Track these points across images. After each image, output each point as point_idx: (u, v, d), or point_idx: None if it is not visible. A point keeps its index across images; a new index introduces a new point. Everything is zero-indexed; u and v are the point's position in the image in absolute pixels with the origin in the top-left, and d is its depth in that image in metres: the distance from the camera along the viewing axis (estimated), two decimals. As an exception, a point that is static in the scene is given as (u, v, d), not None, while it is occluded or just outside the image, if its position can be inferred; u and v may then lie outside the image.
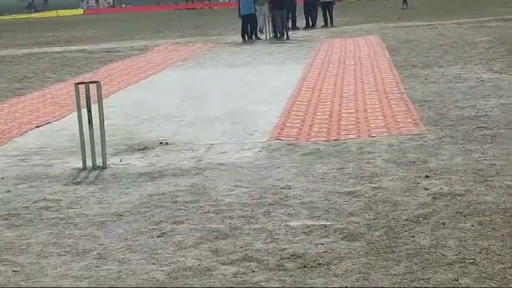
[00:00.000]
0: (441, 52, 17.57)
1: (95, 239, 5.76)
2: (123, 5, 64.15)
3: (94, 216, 6.36)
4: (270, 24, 24.60)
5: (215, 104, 11.82)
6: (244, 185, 7.12)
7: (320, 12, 28.77)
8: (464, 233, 5.37)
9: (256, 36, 24.37)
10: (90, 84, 8.41)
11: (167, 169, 7.91)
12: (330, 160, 7.87)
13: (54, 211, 6.57)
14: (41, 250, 5.56)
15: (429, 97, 11.46)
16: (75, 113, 8.50)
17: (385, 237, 5.39)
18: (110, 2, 63.02)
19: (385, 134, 8.95)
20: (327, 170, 7.43)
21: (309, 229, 5.68)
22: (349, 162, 7.73)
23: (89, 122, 8.14)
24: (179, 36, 27.88)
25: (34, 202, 6.90)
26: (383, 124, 9.55)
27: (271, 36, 24.48)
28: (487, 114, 9.74)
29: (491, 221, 5.59)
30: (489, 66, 14.49)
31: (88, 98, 8.19)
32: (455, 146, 8.13)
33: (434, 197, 6.27)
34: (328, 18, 28.74)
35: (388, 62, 16.08)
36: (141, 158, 8.54)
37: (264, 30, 24.96)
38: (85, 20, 48.26)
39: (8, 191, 7.38)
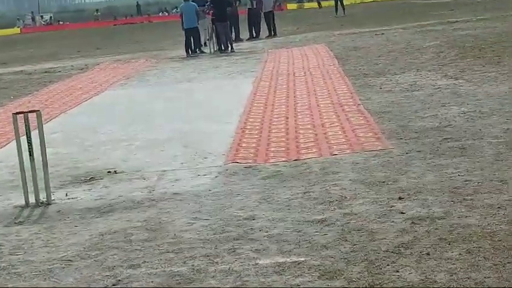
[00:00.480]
0: (391, 59, 17.20)
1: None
2: (61, 22, 63.07)
3: (40, 262, 5.71)
4: (214, 37, 24.04)
5: (163, 126, 11.20)
6: (204, 217, 6.53)
7: (263, 23, 28.37)
8: (453, 263, 4.86)
9: (200, 49, 23.78)
10: (29, 114, 7.71)
11: (118, 202, 7.29)
12: (293, 184, 7.32)
13: (-6, 259, 5.94)
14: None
15: (387, 108, 11.01)
16: (15, 143, 7.89)
17: (366, 273, 4.87)
18: (47, 20, 61.75)
19: (348, 151, 8.45)
20: (291, 196, 6.88)
21: (280, 267, 5.12)
22: (314, 185, 7.19)
23: (30, 155, 7.47)
24: (120, 53, 27.19)
25: (-30, 249, 6.26)
26: (344, 140, 9.06)
27: (215, 49, 23.93)
28: (451, 124, 9.31)
29: (480, 247, 5.10)
30: (443, 72, 14.14)
31: (28, 128, 7.53)
32: (424, 161, 7.65)
33: (412, 222, 5.75)
34: (272, 29, 28.35)
35: (339, 72, 15.66)
36: (89, 190, 7.90)
37: (208, 44, 24.37)
38: (22, 39, 47.18)
39: None
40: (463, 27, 23.47)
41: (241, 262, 5.30)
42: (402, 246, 5.27)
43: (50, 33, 52.78)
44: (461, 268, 4.78)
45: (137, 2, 74.12)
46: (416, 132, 9.07)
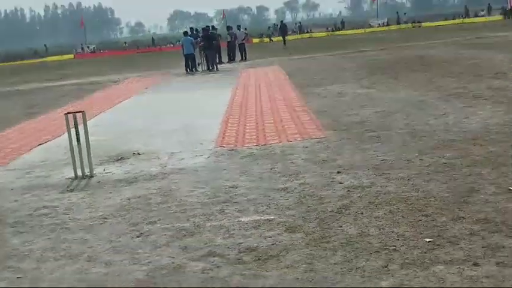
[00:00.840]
0: (324, 75, 16.76)
1: (85, 243, 4.69)
2: (101, 51, 61.86)
3: (84, 220, 5.26)
4: (204, 61, 23.46)
5: (172, 120, 10.67)
6: (201, 185, 6.10)
7: (237, 51, 27.90)
8: (380, 221, 4.49)
9: (195, 69, 23.18)
10: (77, 114, 7.21)
11: (140, 175, 6.81)
12: (263, 162, 6.89)
13: (52, 217, 5.44)
14: (41, 255, 4.46)
15: (323, 108, 10.59)
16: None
17: (318, 228, 4.48)
18: (91, 49, 60.58)
19: (299, 139, 8.02)
20: (262, 170, 6.46)
21: (257, 224, 4.72)
22: (277, 163, 6.76)
23: (78, 141, 6.97)
24: (141, 71, 26.42)
25: (36, 209, 5.74)
26: (296, 131, 8.62)
27: (204, 68, 23.32)
28: (369, 120, 8.92)
29: (398, 209, 4.73)
30: (360, 84, 13.74)
31: (75, 123, 7.03)
32: (352, 146, 7.26)
33: (348, 190, 5.37)
34: (243, 55, 27.86)
35: (290, 84, 15.19)
36: (120, 166, 7.40)
37: (200, 65, 23.76)
38: (75, 62, 46.11)
39: (16, 201, 6.19)
40: (370, 55, 23.09)
41: (229, 220, 4.88)
42: (343, 207, 4.90)
43: (93, 58, 51.58)
44: (386, 225, 4.42)
45: (152, 37, 73.07)
46: (345, 125, 8.67)
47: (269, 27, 61.82)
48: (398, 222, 4.42)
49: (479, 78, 12.67)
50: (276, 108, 11.17)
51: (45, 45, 66.52)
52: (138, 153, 8.03)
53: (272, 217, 4.83)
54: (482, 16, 56.18)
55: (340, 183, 5.65)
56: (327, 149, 7.20)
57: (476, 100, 9.87)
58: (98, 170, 7.23)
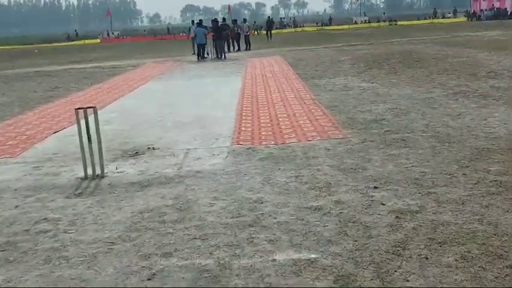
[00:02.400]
0: (324, 67, 15.04)
1: (85, 284, 3.10)
2: (124, 36, 59.41)
3: (88, 244, 3.67)
4: (213, 49, 21.58)
5: (186, 110, 8.99)
6: (221, 196, 4.50)
7: (243, 41, 26.01)
8: (456, 273, 2.92)
9: (205, 57, 21.30)
10: (88, 109, 5.56)
11: (154, 177, 5.18)
12: (285, 166, 5.27)
13: (51, 237, 3.84)
14: (26, 305, 2.89)
15: (333, 102, 8.95)
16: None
17: (378, 280, 2.91)
18: (116, 35, 58.10)
19: (318, 138, 6.39)
20: (287, 179, 4.84)
21: (297, 266, 3.14)
22: (302, 169, 5.15)
23: (89, 140, 5.33)
24: (158, 57, 24.52)
25: (35, 223, 4.14)
26: (312, 128, 6.99)
27: (214, 57, 21.47)
28: (385, 118, 7.29)
29: (470, 253, 3.16)
30: (361, 78, 12.05)
31: (86, 119, 5.38)
32: (378, 150, 5.63)
33: (397, 217, 3.77)
34: (248, 45, 26.00)
35: (294, 75, 13.47)
36: (133, 164, 5.77)
37: (209, 53, 21.87)
38: (101, 46, 43.80)
39: (16, 207, 4.58)
40: (361, 49, 21.30)
41: (260, 257, 3.30)
42: (399, 245, 3.32)
43: (117, 43, 49.20)
44: (465, 279, 2.84)
45: (167, 27, 70.48)
46: (361, 124, 7.05)
47: (254, 22, 59.53)
48: (480, 277, 2.85)
49: (474, 76, 10.99)
50: (287, 100, 9.49)
51: (75, 30, 64.02)
52: (153, 148, 6.40)
53: (314, 256, 3.25)
54: (449, 17, 54.08)
55: (383, 204, 4.05)
56: (351, 153, 5.59)
57: (486, 100, 8.23)
58: (110, 168, 5.61)
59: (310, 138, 6.41)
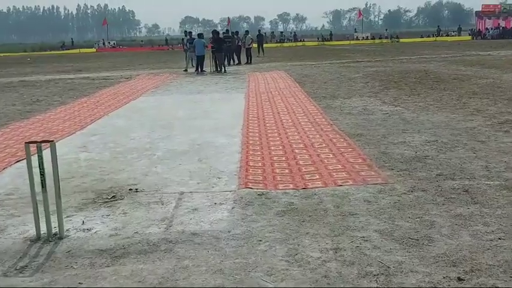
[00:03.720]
0: (335, 85, 13.63)
1: None
2: (120, 46, 58.04)
3: None
4: (212, 62, 20.14)
5: (181, 135, 7.49)
6: (227, 284, 3.01)
7: (243, 54, 24.62)
8: None
9: (202, 69, 19.81)
10: (43, 143, 4.08)
11: (133, 243, 3.69)
12: (315, 229, 3.79)
13: None
14: None
15: (356, 129, 7.51)
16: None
17: None
18: (112, 44, 56.72)
19: (351, 183, 4.92)
20: (321, 255, 3.36)
21: None
22: (340, 235, 3.67)
23: (43, 187, 3.83)
24: (153, 68, 23.13)
25: None
26: (340, 166, 5.52)
27: (213, 70, 20.05)
28: (428, 155, 5.83)
29: None
30: (379, 99, 10.63)
31: (40, 160, 3.89)
32: (439, 207, 4.16)
33: None
34: (249, 58, 24.63)
35: (303, 94, 12.04)
36: (107, 216, 4.26)
37: (210, 66, 20.41)
38: (95, 55, 42.34)
39: None
40: (369, 65, 19.97)
41: None
42: None
43: (113, 52, 47.72)
44: None
45: (166, 38, 69.26)
46: (401, 162, 5.58)
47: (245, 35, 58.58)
48: None
49: None
50: (300, 125, 8.03)
51: (71, 38, 62.70)
52: (136, 190, 4.90)
53: None
54: (453, 35, 53.08)
55: (484, 316, 2.57)
56: (402, 211, 4.11)
57: (544, 133, 6.80)
58: (74, 221, 4.13)
59: (339, 182, 4.93)
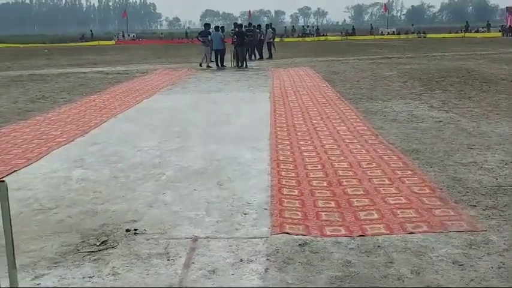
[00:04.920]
0: (369, 85, 12.24)
1: None
2: (140, 39, 57.04)
3: None
4: (234, 57, 18.84)
5: (197, 147, 6.22)
6: None
7: (265, 49, 23.24)
8: None
9: (223, 64, 18.53)
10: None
11: (119, 335, 2.46)
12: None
13: None
14: None
15: (409, 143, 6.17)
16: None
17: None
18: (131, 37, 55.77)
19: (425, 228, 3.60)
20: None
21: None
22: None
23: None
24: (171, 62, 21.96)
25: None
26: (403, 200, 4.19)
27: (234, 65, 18.76)
28: (515, 185, 4.48)
29: None
30: (426, 103, 9.24)
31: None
32: None
33: None
34: (270, 53, 23.26)
35: (335, 94, 10.69)
36: (89, 279, 3.03)
37: (231, 61, 19.11)
38: (114, 48, 41.35)
39: None
40: (402, 62, 18.47)
41: None
42: None
43: (132, 45, 46.69)
44: None
45: (186, 31, 68.14)
46: (483, 195, 4.24)
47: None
48: None
49: None
50: (338, 135, 6.71)
51: (91, 30, 61.88)
52: (135, 231, 3.66)
53: None
54: (483, 32, 50.85)
55: None
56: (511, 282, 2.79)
57: None
58: (46, 281, 2.87)
59: (409, 228, 3.61)
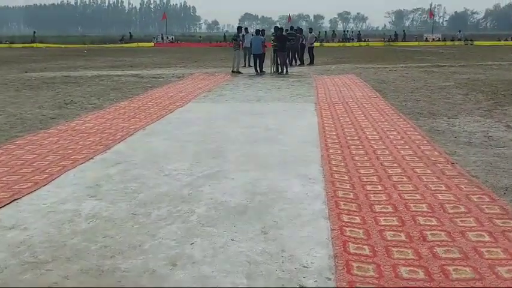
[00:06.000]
0: (426, 97, 10.93)
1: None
2: (179, 41, 56.71)
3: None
4: (274, 62, 17.77)
5: (236, 173, 5.14)
6: None
7: (306, 55, 22.07)
8: None
9: (262, 70, 17.48)
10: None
11: None
12: None
13: None
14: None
15: (495, 175, 4.95)
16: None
17: None
18: (170, 39, 55.50)
19: None
20: None
21: None
22: None
23: None
24: (208, 67, 21.10)
25: None
26: (519, 271, 3.02)
27: (274, 70, 17.70)
28: None
29: None
30: (501, 121, 7.91)
31: None
32: None
33: None
34: (312, 58, 22.07)
35: (390, 107, 9.45)
36: None
37: (271, 67, 18.05)
38: (152, 50, 40.97)
39: None
40: (455, 71, 16.99)
41: None
42: None
43: (170, 48, 46.24)
44: None
45: (224, 34, 67.64)
46: None
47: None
48: None
49: None
50: (405, 162, 5.51)
51: (129, 32, 62.01)
52: (149, 310, 2.59)
53: None
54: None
55: None
56: None
57: None
58: None
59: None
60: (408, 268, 3.08)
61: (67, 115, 8.91)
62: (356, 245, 3.39)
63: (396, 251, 3.32)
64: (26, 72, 18.19)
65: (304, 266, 3.09)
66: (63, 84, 14.01)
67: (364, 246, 3.38)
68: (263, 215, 3.94)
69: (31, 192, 4.52)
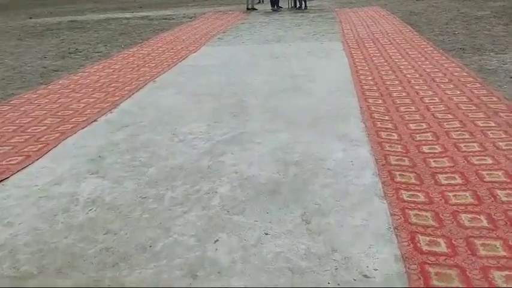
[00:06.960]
0: (463, 29, 9.74)
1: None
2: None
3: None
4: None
5: (260, 134, 4.28)
6: None
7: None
8: None
9: (278, 5, 16.14)
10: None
11: None
12: None
13: None
14: None
15: None
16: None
17: None
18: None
19: None
20: None
21: None
22: None
23: None
24: (222, 4, 19.73)
25: None
26: None
27: (291, 5, 16.34)
28: None
29: None
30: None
31: None
32: None
33: None
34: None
35: (427, 43, 8.37)
36: None
37: (288, 1, 16.70)
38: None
39: None
40: (490, -2, 15.46)
41: None
42: None
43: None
44: None
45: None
46: None
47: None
48: None
49: None
50: (460, 112, 4.60)
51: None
52: None
53: None
54: None
55: None
56: None
57: None
58: None
59: None
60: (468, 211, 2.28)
61: (71, 66, 8.07)
62: (428, 238, 2.59)
63: (481, 244, 2.52)
64: (30, 18, 17.18)
65: (365, 276, 2.32)
66: (69, 30, 13.04)
67: (438, 240, 2.58)
68: (302, 195, 3.14)
69: (21, 169, 3.78)
